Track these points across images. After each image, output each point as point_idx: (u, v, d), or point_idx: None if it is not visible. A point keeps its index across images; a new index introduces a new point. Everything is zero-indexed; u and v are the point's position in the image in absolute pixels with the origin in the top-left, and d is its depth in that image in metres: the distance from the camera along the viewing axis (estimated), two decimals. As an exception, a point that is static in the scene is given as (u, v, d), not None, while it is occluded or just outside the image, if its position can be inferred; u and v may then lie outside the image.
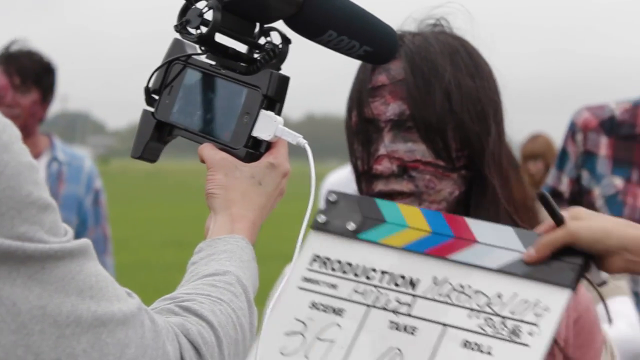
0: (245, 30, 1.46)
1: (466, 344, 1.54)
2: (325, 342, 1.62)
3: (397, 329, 1.58)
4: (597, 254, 1.54)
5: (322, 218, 1.67)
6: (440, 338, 1.56)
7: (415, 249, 1.63)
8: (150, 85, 1.49)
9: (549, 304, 1.53)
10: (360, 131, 1.78)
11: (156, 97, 1.49)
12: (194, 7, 1.43)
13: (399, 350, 1.57)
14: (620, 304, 2.74)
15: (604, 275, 1.57)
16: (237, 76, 1.45)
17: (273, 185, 1.45)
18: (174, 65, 1.48)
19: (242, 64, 1.46)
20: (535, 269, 1.56)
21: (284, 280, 1.51)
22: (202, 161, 1.47)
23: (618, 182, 3.56)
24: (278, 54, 1.47)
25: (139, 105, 1.51)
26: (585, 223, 1.55)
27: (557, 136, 3.96)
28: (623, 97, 3.74)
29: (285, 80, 1.45)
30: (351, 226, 1.64)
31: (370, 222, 1.62)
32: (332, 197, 1.67)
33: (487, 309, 1.55)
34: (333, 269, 1.66)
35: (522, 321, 1.53)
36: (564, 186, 3.66)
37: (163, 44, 1.52)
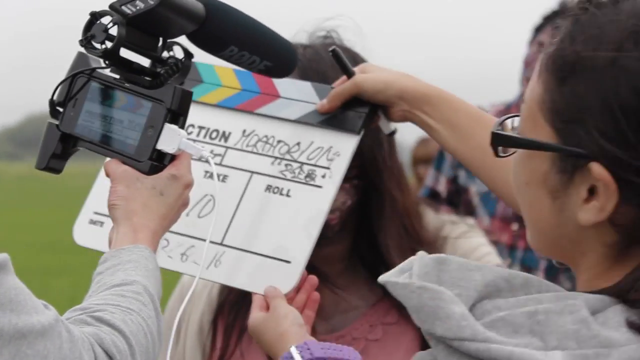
0: (149, 45, 1.50)
1: (269, 188, 1.71)
2: None
3: (210, 177, 1.72)
4: (381, 104, 1.69)
5: None
6: (247, 184, 1.72)
7: (227, 105, 1.78)
8: (55, 97, 1.52)
9: (339, 149, 1.70)
10: None
11: (61, 109, 1.52)
12: (98, 22, 1.46)
13: (212, 196, 1.72)
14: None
15: (392, 125, 1.73)
16: (141, 90, 1.49)
17: (174, 196, 1.49)
18: (78, 79, 1.52)
19: (146, 78, 1.50)
20: (328, 118, 1.72)
21: None
22: (108, 176, 1.50)
23: None
24: (181, 69, 1.51)
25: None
26: (370, 75, 1.70)
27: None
28: (499, 99, 3.88)
29: (188, 95, 1.50)
30: None
31: (190, 83, 1.72)
32: None
33: (288, 157, 1.72)
34: None
35: (316, 165, 1.70)
36: (442, 186, 3.76)
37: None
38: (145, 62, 1.53)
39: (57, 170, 1.54)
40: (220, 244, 1.69)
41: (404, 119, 1.69)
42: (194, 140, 1.74)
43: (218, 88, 1.79)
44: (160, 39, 1.51)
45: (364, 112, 1.70)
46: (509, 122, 1.23)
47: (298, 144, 1.72)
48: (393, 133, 1.75)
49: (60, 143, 1.52)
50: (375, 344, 1.79)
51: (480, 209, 3.69)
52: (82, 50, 1.49)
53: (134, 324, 1.33)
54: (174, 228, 1.68)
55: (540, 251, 1.20)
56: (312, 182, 1.69)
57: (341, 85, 1.70)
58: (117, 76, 1.51)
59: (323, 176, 1.68)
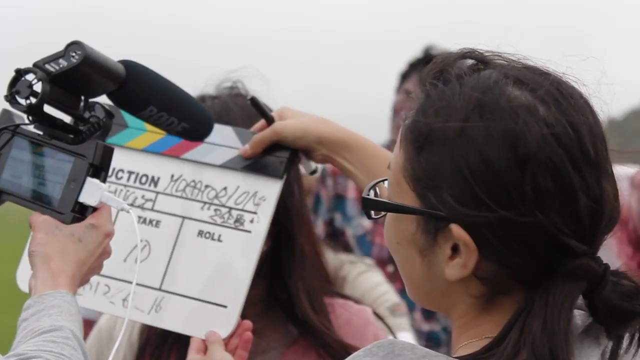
0: (72, 103, 1.56)
1: (200, 233, 1.77)
2: None
3: (144, 222, 1.78)
4: (301, 149, 1.79)
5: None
6: (179, 229, 1.78)
7: (153, 150, 1.84)
8: None
9: (265, 194, 1.78)
10: None
11: None
12: (23, 78, 1.52)
13: (147, 242, 1.78)
14: (403, 338, 2.97)
15: (313, 164, 1.82)
16: (64, 145, 1.55)
17: (94, 244, 1.54)
18: (2, 134, 1.57)
19: (69, 134, 1.56)
20: (252, 163, 1.79)
21: None
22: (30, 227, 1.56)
23: (366, 222, 3.78)
24: (102, 127, 1.57)
25: None
26: (289, 122, 1.79)
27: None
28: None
29: (110, 150, 1.57)
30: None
31: (115, 128, 1.78)
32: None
33: (216, 201, 1.79)
34: None
35: (244, 210, 1.77)
36: (319, 228, 3.85)
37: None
38: (68, 119, 1.59)
39: None
40: (159, 289, 1.75)
41: (324, 161, 1.80)
42: (125, 186, 1.81)
43: (143, 133, 1.85)
44: (83, 97, 1.57)
45: (285, 157, 1.78)
46: (386, 182, 1.31)
47: (225, 188, 1.78)
48: (315, 172, 1.84)
49: None
50: None
51: (356, 250, 3.79)
52: (8, 107, 1.55)
53: None
54: (113, 274, 1.73)
55: (418, 303, 1.30)
56: (241, 227, 1.76)
57: (262, 133, 1.78)
58: (41, 132, 1.56)
59: (251, 221, 1.76)
